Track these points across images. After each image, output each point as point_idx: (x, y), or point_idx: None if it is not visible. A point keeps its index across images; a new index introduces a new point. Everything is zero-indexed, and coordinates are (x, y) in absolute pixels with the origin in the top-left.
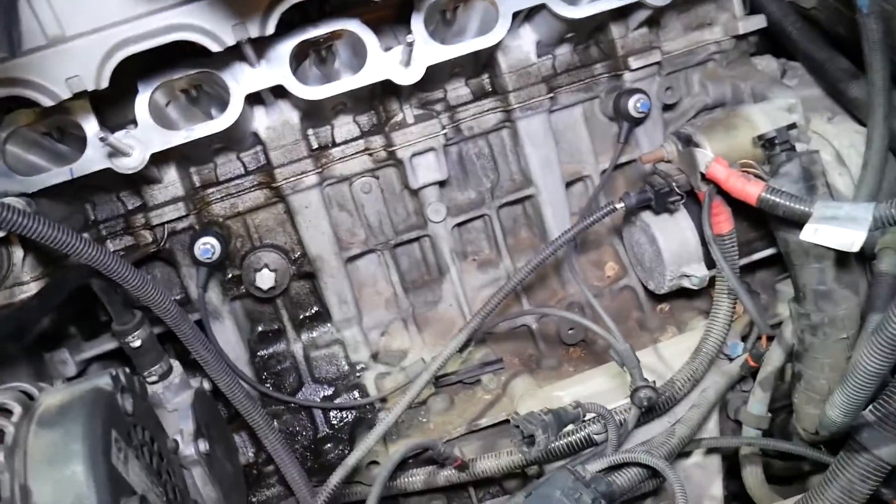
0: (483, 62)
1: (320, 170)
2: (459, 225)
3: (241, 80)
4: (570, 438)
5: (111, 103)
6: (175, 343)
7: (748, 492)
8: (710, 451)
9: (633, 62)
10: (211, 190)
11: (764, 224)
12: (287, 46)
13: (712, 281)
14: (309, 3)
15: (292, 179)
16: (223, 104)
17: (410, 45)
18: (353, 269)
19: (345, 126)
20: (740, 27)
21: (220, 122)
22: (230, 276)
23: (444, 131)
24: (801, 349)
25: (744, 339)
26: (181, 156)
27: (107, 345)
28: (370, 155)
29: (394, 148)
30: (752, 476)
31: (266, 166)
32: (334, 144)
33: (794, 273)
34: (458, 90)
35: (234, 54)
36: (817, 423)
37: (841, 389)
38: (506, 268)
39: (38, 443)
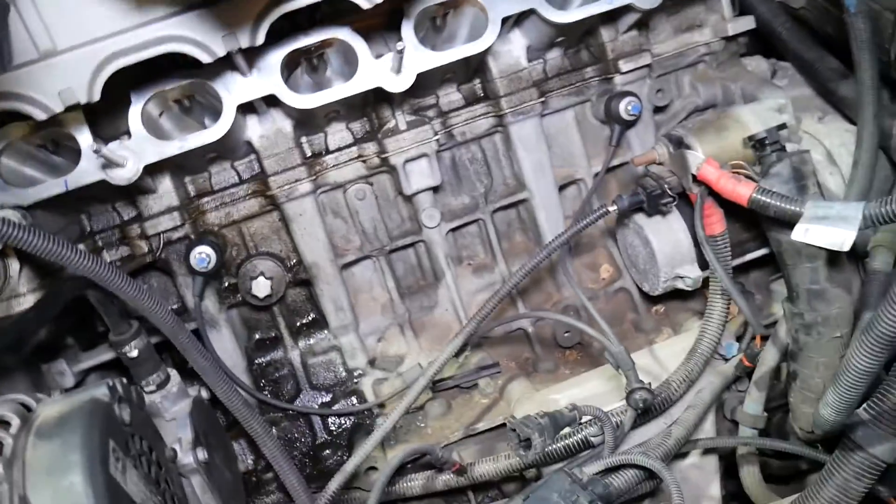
0: (474, 67)
1: (314, 177)
2: (454, 230)
3: (233, 89)
4: (566, 441)
5: (104, 114)
6: (173, 352)
7: (746, 491)
8: (707, 451)
9: (624, 65)
10: (205, 199)
11: (756, 224)
12: (278, 56)
13: (707, 282)
14: (299, 13)
15: (286, 187)
16: (216, 113)
17: (401, 52)
18: (348, 275)
19: (338, 133)
20: (730, 29)
21: (213, 133)
22: (226, 284)
23: (436, 137)
24: (796, 348)
25: (738, 339)
26: (175, 165)
27: (104, 355)
28: (364, 162)
29: (387, 154)
30: (750, 475)
31: (260, 175)
32: (328, 152)
33: (786, 273)
34: (450, 96)
35: (225, 64)
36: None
37: (833, 388)
38: (501, 272)
39: (36, 454)
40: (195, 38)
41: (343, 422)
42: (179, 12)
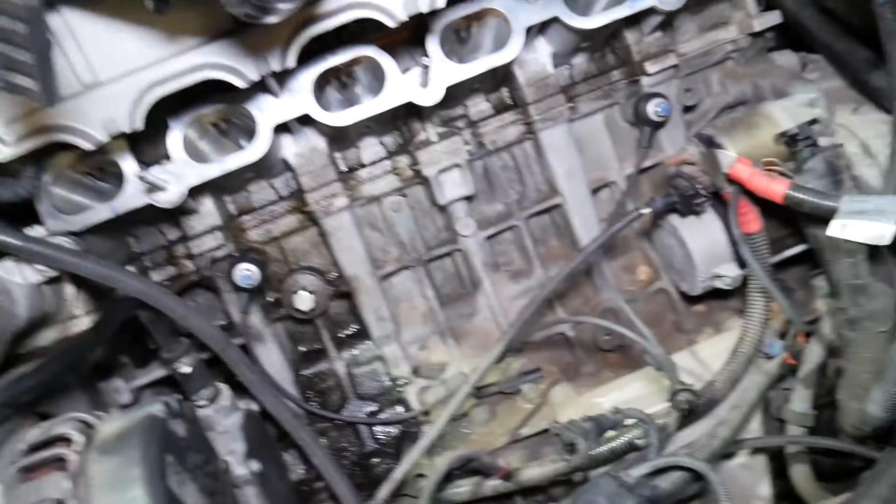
0: (501, 76)
1: (350, 192)
2: (489, 237)
3: (268, 111)
4: (611, 445)
5: (145, 139)
6: (222, 366)
7: (797, 491)
8: (755, 451)
9: (650, 67)
10: (246, 217)
11: (794, 220)
12: (309, 76)
13: (747, 279)
14: (326, 33)
15: (323, 203)
16: (252, 134)
17: (426, 68)
18: (388, 286)
19: (371, 148)
20: (756, 24)
21: (251, 154)
22: (270, 299)
23: (467, 147)
24: (841, 344)
25: (782, 336)
26: (215, 186)
27: (157, 372)
28: (397, 174)
29: (419, 166)
30: (800, 474)
31: (297, 191)
32: (361, 166)
33: (827, 268)
34: (479, 105)
35: (259, 87)
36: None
37: (879, 385)
38: (538, 277)
39: (99, 469)
40: (229, 64)
41: (389, 430)
42: (212, 40)
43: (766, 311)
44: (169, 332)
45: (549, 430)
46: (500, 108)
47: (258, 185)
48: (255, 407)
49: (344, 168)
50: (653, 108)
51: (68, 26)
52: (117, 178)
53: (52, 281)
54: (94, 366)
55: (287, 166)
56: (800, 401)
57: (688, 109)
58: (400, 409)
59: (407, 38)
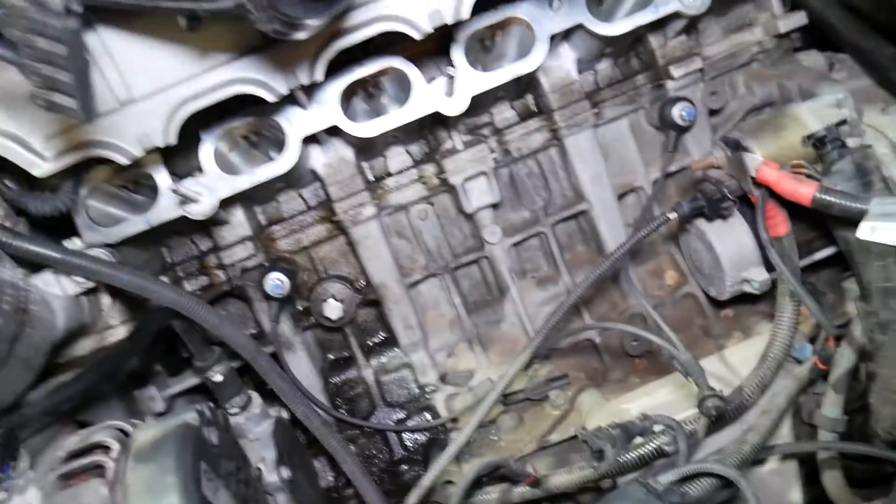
0: (526, 83)
1: (377, 201)
2: (516, 244)
3: (297, 123)
4: (640, 451)
5: (177, 152)
6: (253, 374)
7: (829, 497)
8: (785, 456)
9: (675, 71)
10: (276, 227)
11: (823, 223)
12: (337, 88)
13: (776, 283)
14: (353, 46)
15: (351, 212)
16: (281, 145)
17: (451, 77)
18: (415, 294)
19: (397, 157)
20: (781, 25)
21: (281, 166)
22: (300, 308)
23: (493, 154)
24: (873, 348)
25: (812, 340)
26: (245, 197)
27: (190, 380)
28: (424, 183)
29: (446, 174)
30: (833, 481)
31: (326, 201)
32: (389, 175)
33: (857, 271)
34: (504, 113)
35: (288, 100)
36: None
37: None
38: (565, 283)
39: (135, 476)
40: (259, 78)
41: (418, 437)
42: (242, 56)
43: (795, 315)
44: (201, 341)
45: (577, 436)
46: (525, 115)
47: (287, 196)
48: (285, 414)
49: (371, 177)
50: (678, 112)
51: (104, 45)
52: (151, 190)
53: (89, 292)
54: (129, 374)
55: (315, 176)
56: (831, 405)
57: (713, 113)
58: (428, 416)
59: (432, 49)
